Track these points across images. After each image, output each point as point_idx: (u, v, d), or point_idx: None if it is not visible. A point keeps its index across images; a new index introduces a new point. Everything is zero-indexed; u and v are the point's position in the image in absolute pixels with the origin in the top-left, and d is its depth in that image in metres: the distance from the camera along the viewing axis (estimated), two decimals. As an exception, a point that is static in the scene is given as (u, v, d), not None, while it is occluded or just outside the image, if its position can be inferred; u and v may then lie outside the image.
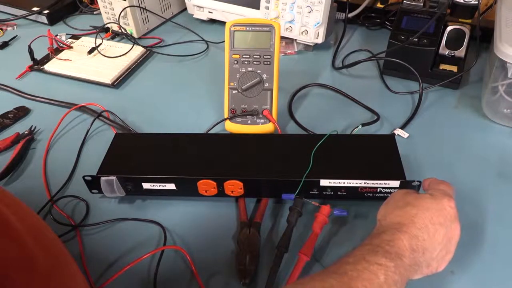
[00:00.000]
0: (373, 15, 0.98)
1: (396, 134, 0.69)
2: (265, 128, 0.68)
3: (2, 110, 0.76)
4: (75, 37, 0.96)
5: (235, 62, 0.67)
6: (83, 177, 0.57)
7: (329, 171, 0.55)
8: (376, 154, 0.58)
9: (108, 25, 0.96)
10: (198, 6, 0.98)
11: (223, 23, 0.94)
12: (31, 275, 0.32)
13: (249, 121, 0.69)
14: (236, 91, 0.68)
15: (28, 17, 1.04)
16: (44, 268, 0.34)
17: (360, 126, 0.69)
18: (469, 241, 0.53)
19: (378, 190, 0.55)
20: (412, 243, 0.41)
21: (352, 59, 0.86)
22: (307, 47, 0.90)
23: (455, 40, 0.78)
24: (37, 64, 0.87)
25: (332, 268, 0.39)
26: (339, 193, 0.56)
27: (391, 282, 0.37)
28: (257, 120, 0.68)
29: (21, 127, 0.74)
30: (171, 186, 0.57)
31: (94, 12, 1.07)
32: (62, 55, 0.89)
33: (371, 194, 0.56)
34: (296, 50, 0.90)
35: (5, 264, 0.30)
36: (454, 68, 0.78)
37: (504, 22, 0.67)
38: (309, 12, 0.82)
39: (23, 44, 0.90)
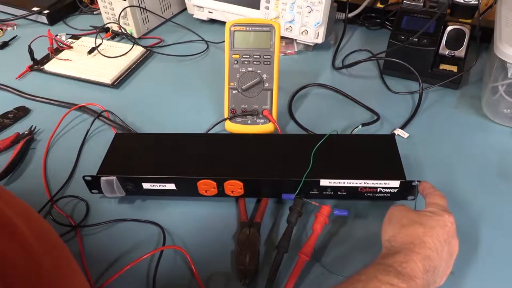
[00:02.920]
0: (373, 15, 0.98)
1: (396, 134, 0.69)
2: (265, 128, 0.68)
3: (2, 110, 0.76)
4: (75, 37, 0.96)
5: (235, 62, 0.67)
6: (83, 177, 0.57)
7: (329, 171, 0.55)
8: (376, 154, 0.58)
9: (108, 25, 0.96)
10: (198, 6, 0.98)
11: (223, 23, 0.94)
12: (36, 282, 0.32)
13: (249, 121, 0.69)
14: (236, 91, 0.68)
15: (28, 17, 1.04)
16: (48, 272, 0.34)
17: (360, 126, 0.69)
18: (469, 241, 0.53)
19: (378, 190, 0.55)
20: (425, 264, 0.41)
21: (352, 59, 0.86)
22: (307, 47, 0.90)
23: (455, 40, 0.78)
24: (37, 64, 0.87)
25: (343, 285, 0.39)
26: (339, 193, 0.56)
27: None
28: (257, 120, 0.68)
29: (21, 127, 0.74)
30: (171, 186, 0.57)
31: (94, 12, 1.07)
32: (62, 55, 0.89)
33: (371, 194, 0.56)
34: (296, 50, 0.90)
35: (12, 273, 0.30)
36: (454, 68, 0.78)
37: (504, 22, 0.67)
38: (309, 12, 0.82)
39: (23, 44, 0.90)
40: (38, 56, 0.88)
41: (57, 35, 0.90)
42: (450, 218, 0.45)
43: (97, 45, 0.89)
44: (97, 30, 0.93)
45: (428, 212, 0.45)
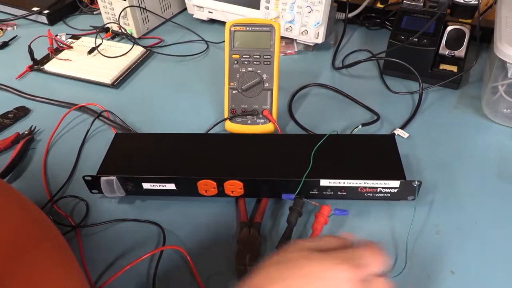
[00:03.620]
0: (373, 15, 0.98)
1: (396, 134, 0.69)
2: (265, 128, 0.68)
3: (2, 110, 0.76)
4: (75, 37, 0.96)
5: (235, 62, 0.67)
6: (83, 177, 0.57)
7: (329, 171, 0.55)
8: (376, 154, 0.58)
9: (108, 25, 0.96)
10: (198, 6, 0.98)
11: (223, 23, 0.94)
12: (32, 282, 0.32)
13: (249, 121, 0.69)
14: (236, 91, 0.68)
15: (28, 17, 1.04)
16: (45, 271, 0.34)
17: (360, 126, 0.69)
18: (469, 241, 0.53)
19: (378, 190, 0.55)
20: None
21: (352, 59, 0.86)
22: (307, 47, 0.90)
23: (455, 40, 0.78)
24: (37, 64, 0.87)
25: None
26: (339, 193, 0.56)
27: None
28: (257, 120, 0.68)
29: (21, 127, 0.74)
30: (171, 186, 0.57)
31: (94, 12, 1.07)
32: (62, 55, 0.89)
33: (371, 194, 0.56)
34: (296, 50, 0.90)
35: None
36: (454, 68, 0.78)
37: (504, 22, 0.67)
38: (309, 12, 0.82)
39: (23, 44, 0.90)
40: (38, 56, 0.88)
41: (57, 35, 0.90)
42: (352, 273, 0.32)
43: (97, 45, 0.89)
44: (97, 30, 0.93)
45: (325, 255, 0.34)
